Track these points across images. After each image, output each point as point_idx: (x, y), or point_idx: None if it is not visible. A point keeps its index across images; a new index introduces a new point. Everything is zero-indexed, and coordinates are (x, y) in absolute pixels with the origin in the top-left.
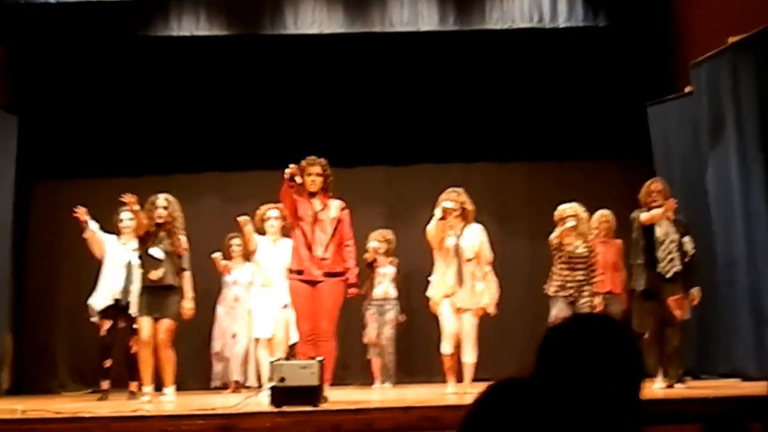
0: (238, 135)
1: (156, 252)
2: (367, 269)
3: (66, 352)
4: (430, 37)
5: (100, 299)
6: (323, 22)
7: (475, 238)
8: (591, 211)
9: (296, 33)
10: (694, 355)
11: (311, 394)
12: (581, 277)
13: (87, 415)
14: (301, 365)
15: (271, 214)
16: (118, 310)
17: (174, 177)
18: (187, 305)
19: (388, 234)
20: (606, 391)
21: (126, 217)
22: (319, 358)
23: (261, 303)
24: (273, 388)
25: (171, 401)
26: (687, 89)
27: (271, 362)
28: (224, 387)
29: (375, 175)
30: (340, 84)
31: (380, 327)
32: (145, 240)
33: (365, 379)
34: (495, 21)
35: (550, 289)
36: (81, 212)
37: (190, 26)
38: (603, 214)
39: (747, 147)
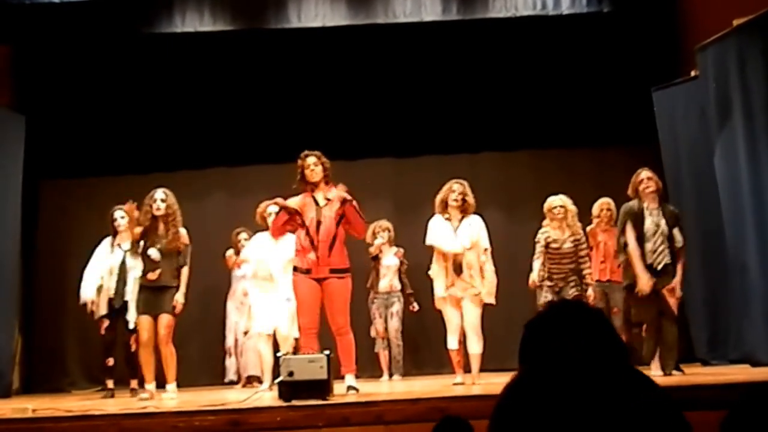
0: (244, 130)
1: (153, 253)
2: (372, 261)
3: (75, 350)
4: (434, 28)
5: (88, 290)
6: (326, 15)
7: (472, 229)
8: (596, 197)
9: (300, 26)
10: (705, 341)
11: (320, 387)
12: (567, 269)
13: (97, 412)
14: (310, 359)
15: (272, 209)
16: (115, 311)
17: (180, 173)
18: (179, 299)
19: (386, 223)
20: (598, 374)
21: (119, 216)
22: (326, 352)
23: (261, 298)
24: (282, 383)
25: (172, 398)
26: (693, 73)
27: (279, 357)
28: (237, 382)
29: (382, 167)
30: (345, 77)
31: (387, 319)
32: (144, 238)
33: (373, 371)
34: (498, 9)
35: (536, 279)
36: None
37: (193, 22)
38: (604, 201)
39: (755, 130)
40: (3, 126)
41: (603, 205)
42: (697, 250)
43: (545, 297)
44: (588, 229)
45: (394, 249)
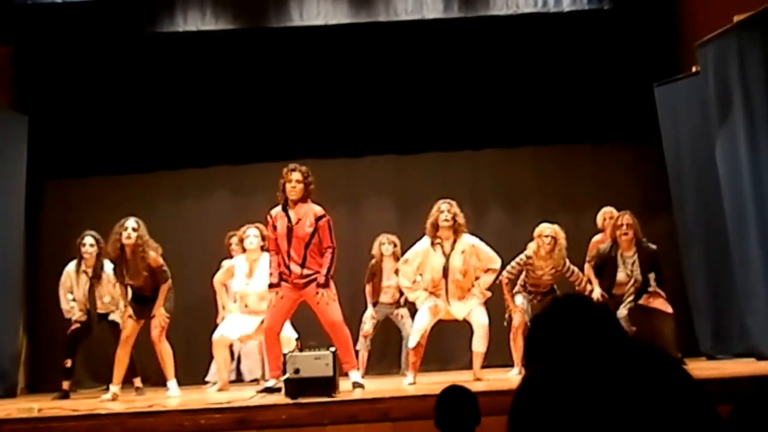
0: (247, 128)
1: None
2: (371, 277)
3: (80, 350)
4: (435, 26)
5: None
6: (328, 13)
7: (467, 256)
8: (599, 196)
9: (301, 25)
10: (709, 335)
11: (326, 384)
12: (546, 289)
13: (102, 411)
14: (316, 356)
15: (251, 232)
16: (100, 317)
17: (184, 172)
18: (160, 312)
19: (392, 236)
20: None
21: (88, 243)
22: (332, 349)
23: (236, 313)
24: (288, 380)
25: (176, 395)
26: (694, 69)
27: (285, 354)
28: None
29: (384, 164)
30: (347, 75)
31: (395, 322)
32: (117, 270)
33: (380, 368)
34: (500, 7)
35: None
36: None
37: (195, 21)
38: (607, 211)
39: (756, 125)
40: (6, 126)
41: (606, 214)
42: (700, 244)
43: (522, 304)
44: (593, 240)
45: (395, 266)
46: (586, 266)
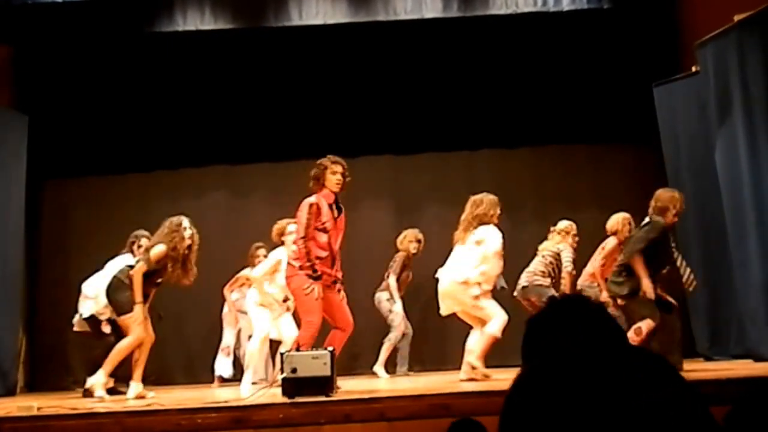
0: (245, 128)
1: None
2: (401, 269)
3: (79, 348)
4: (434, 25)
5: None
6: (327, 13)
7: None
8: (597, 197)
9: (300, 24)
10: (707, 336)
11: (323, 384)
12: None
13: (101, 410)
14: (313, 356)
15: (292, 228)
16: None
17: (182, 171)
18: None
19: (419, 234)
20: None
21: (145, 243)
22: (330, 348)
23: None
24: (285, 379)
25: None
26: (693, 69)
27: (283, 353)
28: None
29: (381, 164)
30: (345, 74)
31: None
32: (167, 265)
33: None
34: (499, 6)
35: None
36: None
37: (194, 21)
38: (625, 216)
39: (755, 125)
40: (6, 126)
41: (625, 220)
42: (699, 245)
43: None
44: (612, 246)
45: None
46: (636, 257)
